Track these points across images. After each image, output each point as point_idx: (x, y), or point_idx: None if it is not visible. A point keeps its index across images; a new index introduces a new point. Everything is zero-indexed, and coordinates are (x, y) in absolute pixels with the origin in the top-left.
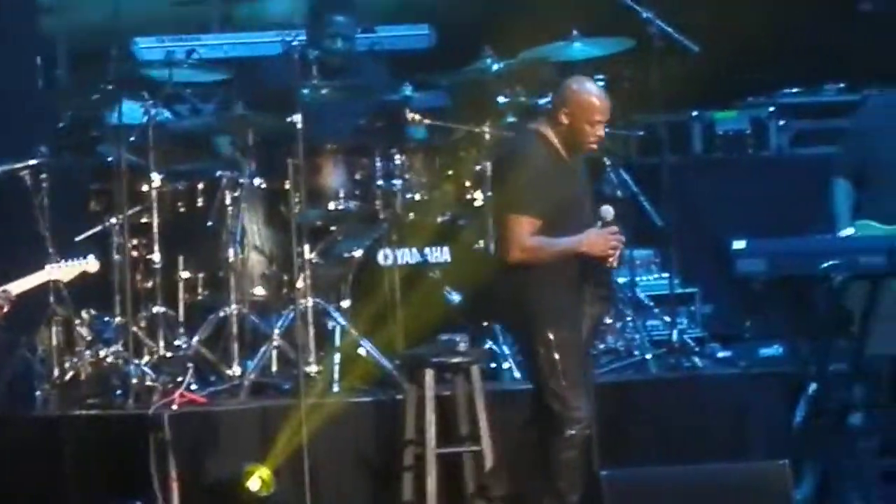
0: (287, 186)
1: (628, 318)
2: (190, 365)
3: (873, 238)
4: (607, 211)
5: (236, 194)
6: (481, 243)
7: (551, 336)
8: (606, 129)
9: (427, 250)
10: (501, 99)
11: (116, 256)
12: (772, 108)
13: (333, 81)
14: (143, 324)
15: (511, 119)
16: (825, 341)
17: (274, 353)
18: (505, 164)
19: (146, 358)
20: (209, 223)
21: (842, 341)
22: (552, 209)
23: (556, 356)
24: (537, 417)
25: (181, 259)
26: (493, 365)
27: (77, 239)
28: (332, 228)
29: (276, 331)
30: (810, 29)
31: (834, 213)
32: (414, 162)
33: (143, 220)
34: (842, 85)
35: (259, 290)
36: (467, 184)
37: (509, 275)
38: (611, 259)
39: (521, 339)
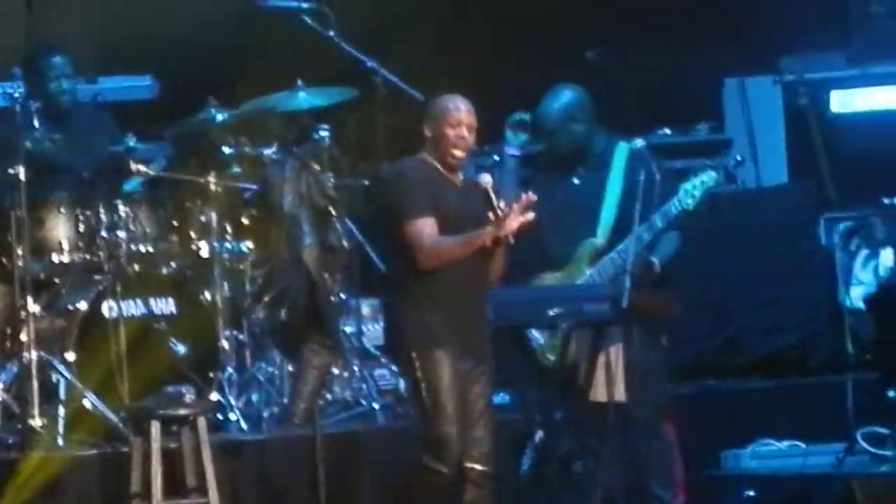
0: (10, 239)
1: (355, 368)
2: None
3: (598, 286)
4: (484, 178)
5: None
6: (207, 294)
7: (414, 354)
8: (332, 180)
9: (152, 302)
10: (226, 149)
11: None
12: (497, 157)
13: (57, 133)
14: None
15: (236, 169)
16: (550, 389)
17: None
18: (385, 187)
19: None
20: None
21: (567, 389)
22: (441, 213)
23: (420, 376)
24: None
25: None
26: (220, 416)
27: None
28: (56, 281)
29: (0, 385)
30: (518, 80)
31: None
32: (139, 213)
33: None
34: None
35: None
36: (193, 235)
37: (387, 294)
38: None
39: (398, 365)
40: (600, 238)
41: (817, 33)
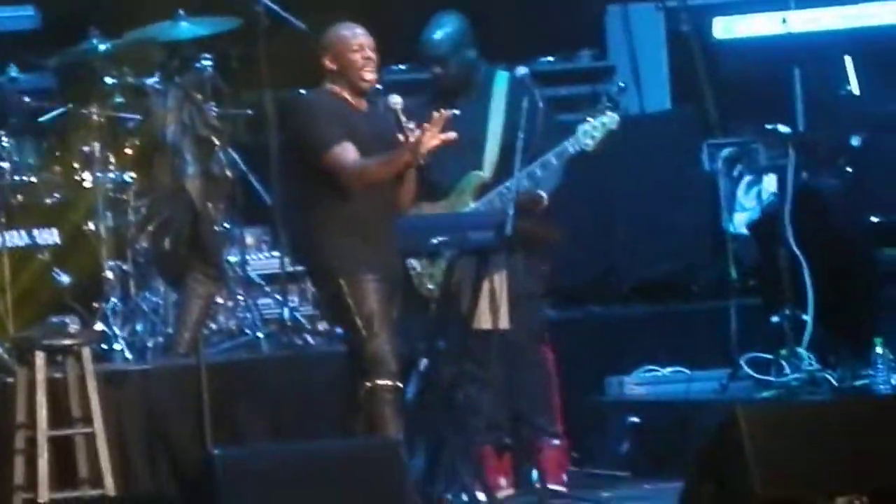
0: None
1: (240, 297)
2: None
3: (483, 214)
4: (392, 99)
5: None
6: (90, 224)
7: (342, 281)
8: (215, 110)
9: (36, 232)
10: (109, 80)
11: None
12: (380, 87)
13: None
14: None
15: (119, 99)
16: (435, 317)
17: None
18: (296, 119)
19: None
20: None
21: (451, 317)
22: (353, 140)
23: (351, 301)
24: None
25: None
26: (105, 346)
27: None
28: None
29: None
30: (395, 7)
31: None
32: (21, 144)
33: None
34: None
35: None
36: (76, 165)
37: (301, 223)
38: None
39: (317, 287)
40: (486, 171)
41: None
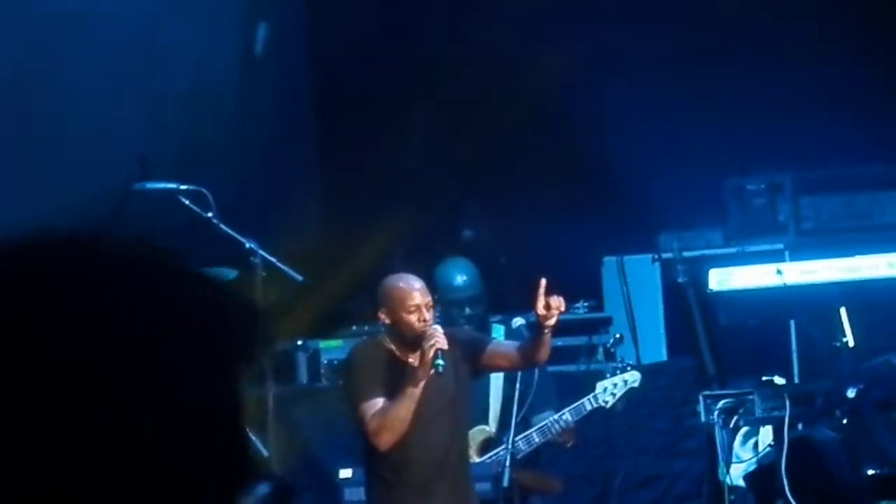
0: None
1: None
2: None
3: (480, 465)
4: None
5: None
6: None
7: None
8: None
9: None
10: None
11: None
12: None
13: None
14: None
15: None
16: None
17: None
18: (339, 375)
19: None
20: None
21: None
22: (388, 395)
23: None
24: None
25: None
26: None
27: None
28: None
29: None
30: (416, 259)
31: None
32: None
33: None
34: None
35: None
36: None
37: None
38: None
39: None
40: (491, 425)
41: (694, 211)
